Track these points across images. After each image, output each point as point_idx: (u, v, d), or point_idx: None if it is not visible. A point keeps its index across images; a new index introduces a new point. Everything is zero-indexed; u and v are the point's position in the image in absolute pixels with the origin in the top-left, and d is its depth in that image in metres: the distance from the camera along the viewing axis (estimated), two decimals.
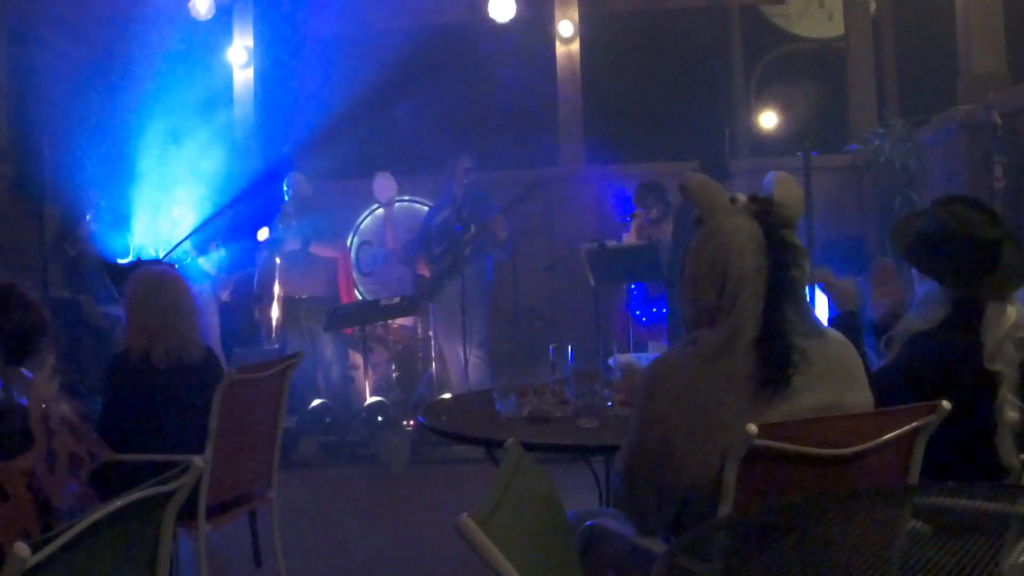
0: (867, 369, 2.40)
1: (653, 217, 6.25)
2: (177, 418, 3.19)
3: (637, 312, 6.22)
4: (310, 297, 6.56)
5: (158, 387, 3.20)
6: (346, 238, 7.12)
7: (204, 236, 6.67)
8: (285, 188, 6.72)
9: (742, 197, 1.92)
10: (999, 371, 2.26)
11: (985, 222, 2.36)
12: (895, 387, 2.30)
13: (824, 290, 2.76)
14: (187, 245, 6.68)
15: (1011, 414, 2.25)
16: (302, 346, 6.39)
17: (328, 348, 6.53)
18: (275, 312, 6.53)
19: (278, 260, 6.50)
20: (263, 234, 6.92)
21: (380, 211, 7.52)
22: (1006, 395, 2.26)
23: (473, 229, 6.17)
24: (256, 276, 6.82)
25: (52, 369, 1.88)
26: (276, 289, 6.52)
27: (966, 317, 2.32)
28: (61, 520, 1.72)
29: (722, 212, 1.88)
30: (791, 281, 1.83)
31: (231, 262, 6.83)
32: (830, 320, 2.69)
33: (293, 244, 6.47)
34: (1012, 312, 2.30)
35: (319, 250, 6.59)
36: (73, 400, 1.98)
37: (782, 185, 1.93)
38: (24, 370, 2.03)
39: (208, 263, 6.62)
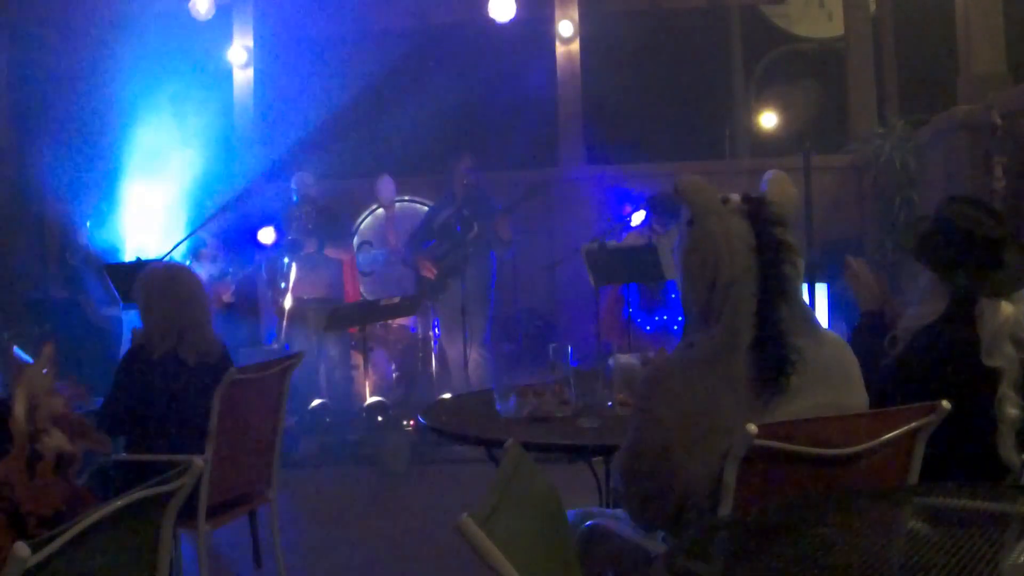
0: (876, 369, 2.40)
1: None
2: (183, 416, 3.18)
3: (639, 320, 6.17)
4: (318, 298, 6.52)
5: (165, 382, 3.19)
6: (352, 239, 7.08)
7: (199, 238, 6.66)
8: (293, 187, 6.67)
9: (735, 197, 1.92)
10: (998, 367, 2.27)
11: (990, 221, 2.38)
12: (898, 385, 2.31)
13: (852, 285, 2.77)
14: (184, 247, 6.67)
15: (1011, 411, 2.25)
16: (308, 347, 6.39)
17: (333, 349, 6.50)
18: (287, 308, 6.51)
19: (294, 266, 6.47)
20: (264, 235, 6.92)
21: (380, 211, 7.52)
22: (1006, 392, 2.26)
23: (476, 228, 6.17)
24: (266, 276, 6.79)
25: (49, 360, 1.81)
26: (289, 289, 6.49)
27: (962, 312, 2.33)
28: (43, 527, 1.67)
29: (713, 214, 1.88)
30: (784, 279, 1.83)
31: (231, 263, 6.82)
32: (856, 319, 2.70)
33: (310, 247, 6.44)
34: (1008, 308, 2.31)
35: (332, 252, 6.56)
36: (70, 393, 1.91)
37: (776, 183, 1.93)
38: (17, 349, 1.96)
39: (202, 265, 6.61)
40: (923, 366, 2.33)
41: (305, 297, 6.54)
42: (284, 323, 6.51)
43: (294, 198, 6.64)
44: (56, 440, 1.73)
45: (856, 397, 1.93)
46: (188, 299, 3.27)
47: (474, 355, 6.29)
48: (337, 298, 6.66)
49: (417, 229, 6.63)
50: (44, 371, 1.79)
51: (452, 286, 6.26)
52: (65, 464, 1.73)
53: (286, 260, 6.51)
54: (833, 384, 1.88)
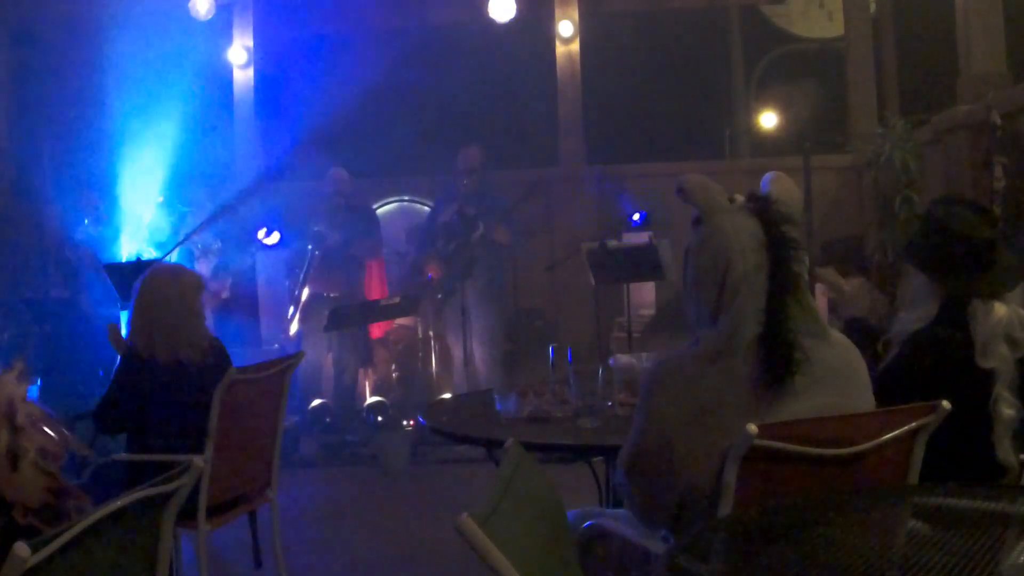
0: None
1: None
2: (182, 416, 3.19)
3: None
4: (338, 296, 6.40)
5: (162, 384, 3.20)
6: (381, 242, 6.87)
7: (200, 237, 6.65)
8: (327, 182, 6.57)
9: (740, 197, 1.92)
10: (993, 368, 2.27)
11: (982, 223, 2.37)
12: (893, 388, 2.30)
13: (830, 293, 2.77)
14: (186, 245, 6.67)
15: (1007, 411, 2.25)
16: (320, 346, 6.32)
17: (347, 350, 6.36)
18: (302, 299, 6.46)
19: (316, 255, 6.38)
20: (264, 235, 6.91)
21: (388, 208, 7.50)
22: (1001, 392, 2.26)
23: (481, 227, 6.10)
24: (290, 269, 6.74)
25: (22, 371, 1.84)
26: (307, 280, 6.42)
27: (955, 314, 2.33)
28: (32, 516, 1.71)
29: (721, 212, 1.88)
30: (793, 276, 1.83)
31: (229, 262, 6.82)
32: (843, 324, 2.69)
33: (334, 240, 6.34)
34: (1001, 310, 2.30)
35: (358, 251, 6.46)
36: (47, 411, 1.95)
37: (779, 183, 1.94)
38: None
39: (199, 263, 6.60)
40: (918, 369, 2.33)
41: (323, 293, 6.45)
42: (298, 314, 6.44)
43: (327, 192, 6.56)
44: (37, 437, 1.76)
45: (862, 400, 1.92)
46: (187, 300, 3.28)
47: (487, 354, 6.25)
48: (355, 298, 6.51)
49: (421, 229, 6.59)
50: (18, 381, 1.82)
51: (462, 287, 6.15)
52: (48, 460, 1.76)
53: (309, 247, 6.42)
54: (839, 386, 1.87)
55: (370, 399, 6.37)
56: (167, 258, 6.21)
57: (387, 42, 8.72)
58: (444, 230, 6.33)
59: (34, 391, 5.05)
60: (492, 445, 2.56)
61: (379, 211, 7.52)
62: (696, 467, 1.81)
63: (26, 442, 1.74)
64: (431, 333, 6.64)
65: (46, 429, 1.81)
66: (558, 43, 7.88)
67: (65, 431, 1.86)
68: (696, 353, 1.87)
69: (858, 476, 1.86)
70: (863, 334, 2.59)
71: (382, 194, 7.76)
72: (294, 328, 6.44)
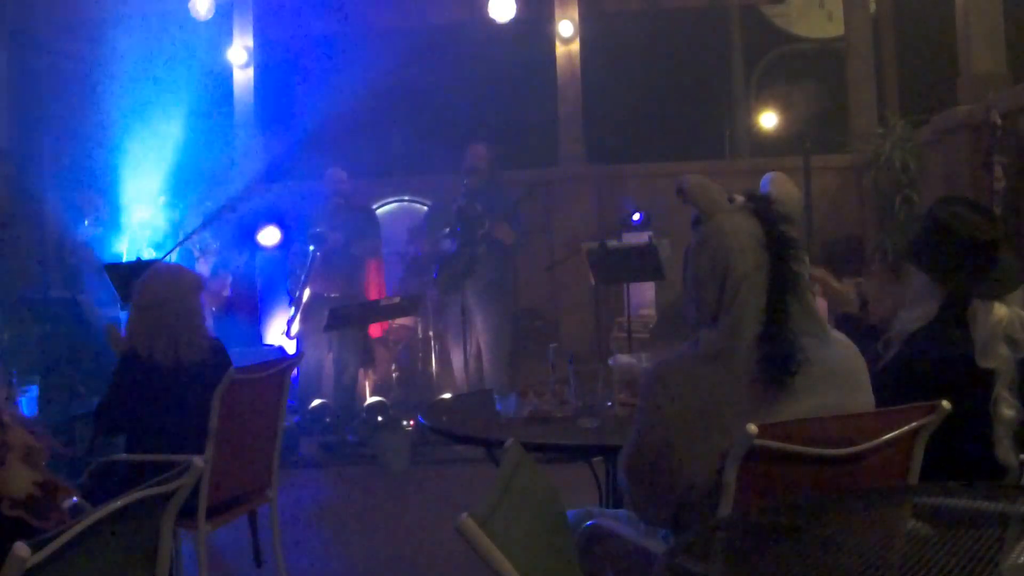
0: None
1: None
2: (182, 417, 3.18)
3: None
4: (339, 296, 6.38)
5: (162, 385, 3.20)
6: (381, 241, 6.85)
7: (200, 237, 6.66)
8: (325, 182, 6.59)
9: (740, 197, 1.92)
10: (993, 368, 2.27)
11: (984, 224, 2.37)
12: (893, 387, 2.30)
13: (824, 294, 2.77)
14: (185, 246, 6.67)
15: (1007, 412, 2.25)
16: (320, 346, 6.32)
17: (347, 350, 6.32)
18: (303, 300, 6.45)
19: (317, 256, 6.38)
20: (264, 236, 6.91)
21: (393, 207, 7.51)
22: (1001, 392, 2.26)
23: (487, 226, 6.07)
24: (289, 270, 6.75)
25: (3, 375, 1.92)
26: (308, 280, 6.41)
27: (956, 314, 2.33)
28: (18, 508, 1.74)
29: (721, 212, 1.88)
30: (793, 275, 1.83)
31: (226, 259, 6.82)
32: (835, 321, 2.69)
33: (334, 242, 6.34)
34: (1001, 310, 2.30)
35: (358, 250, 6.46)
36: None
37: (778, 183, 1.94)
38: None
39: (203, 264, 6.61)
40: (918, 369, 2.33)
41: (323, 293, 6.45)
42: (298, 314, 6.44)
43: (326, 192, 6.57)
44: (22, 435, 1.80)
45: (862, 400, 1.92)
46: (187, 301, 3.28)
47: (483, 354, 6.23)
48: (355, 298, 6.49)
49: (422, 228, 6.56)
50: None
51: (463, 286, 6.13)
52: (33, 456, 1.81)
53: (311, 248, 6.42)
54: (839, 386, 1.87)
55: (370, 399, 6.37)
56: (167, 258, 6.20)
57: (387, 42, 8.72)
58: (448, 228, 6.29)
59: (34, 391, 5.06)
60: (492, 445, 2.56)
61: (379, 211, 7.52)
62: (696, 467, 1.81)
63: (12, 438, 1.79)
64: (431, 333, 6.64)
65: (28, 428, 1.87)
66: (558, 43, 7.89)
67: (43, 433, 1.92)
68: (696, 353, 1.87)
69: (858, 476, 1.86)
70: (855, 330, 2.59)
71: (382, 194, 7.77)
72: (294, 328, 6.44)
